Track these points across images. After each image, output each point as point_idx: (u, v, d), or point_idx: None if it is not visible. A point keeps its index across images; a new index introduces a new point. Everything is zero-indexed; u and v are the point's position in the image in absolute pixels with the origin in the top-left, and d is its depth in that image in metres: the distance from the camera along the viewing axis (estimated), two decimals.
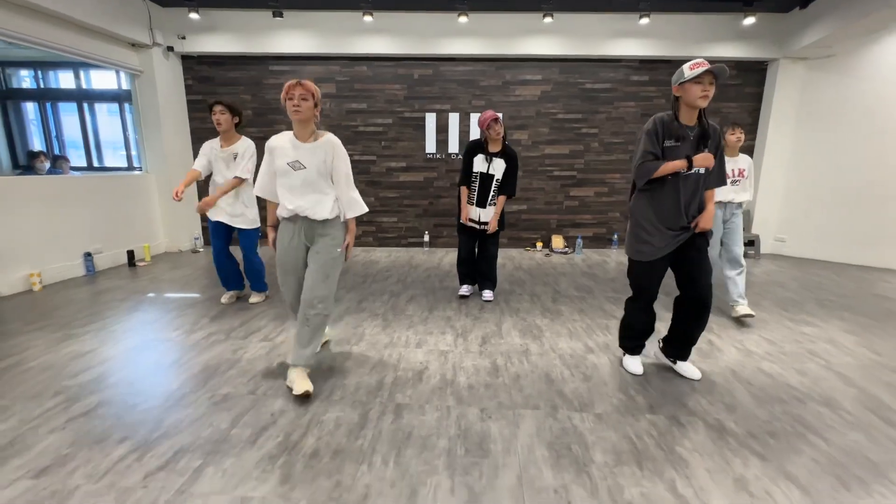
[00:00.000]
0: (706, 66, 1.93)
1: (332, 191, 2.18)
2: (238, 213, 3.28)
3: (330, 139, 2.16)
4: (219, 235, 3.32)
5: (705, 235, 2.21)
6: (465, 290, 3.74)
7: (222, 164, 3.20)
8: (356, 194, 2.23)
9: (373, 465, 1.66)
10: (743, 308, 3.17)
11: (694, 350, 2.51)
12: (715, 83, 1.99)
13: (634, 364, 2.43)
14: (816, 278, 4.50)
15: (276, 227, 2.32)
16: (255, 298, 3.52)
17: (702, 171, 2.12)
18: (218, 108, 3.11)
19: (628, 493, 1.53)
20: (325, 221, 2.17)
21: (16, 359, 2.51)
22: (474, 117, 5.60)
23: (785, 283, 4.33)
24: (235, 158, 3.17)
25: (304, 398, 2.08)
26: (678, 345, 2.36)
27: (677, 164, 2.06)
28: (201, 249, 5.69)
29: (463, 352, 2.67)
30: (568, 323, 3.18)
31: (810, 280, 4.43)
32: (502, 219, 3.53)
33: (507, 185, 3.40)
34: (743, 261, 3.27)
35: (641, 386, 2.28)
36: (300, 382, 2.09)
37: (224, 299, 3.51)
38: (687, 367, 2.36)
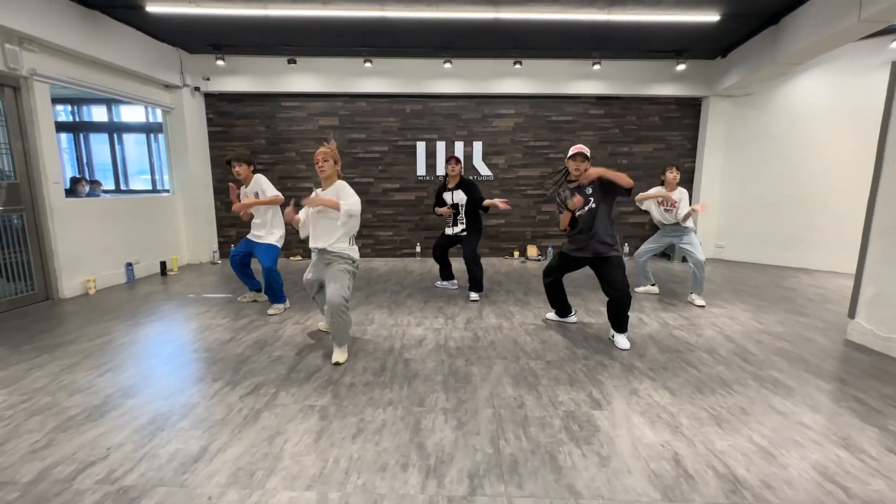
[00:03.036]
0: (578, 150, 3.01)
1: (340, 226, 2.79)
2: (263, 234, 3.84)
3: (338, 183, 2.84)
4: (239, 248, 3.93)
5: (613, 260, 3.08)
6: (438, 283, 4.82)
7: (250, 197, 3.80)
8: (352, 206, 2.76)
9: (393, 388, 2.47)
10: (698, 300, 4.15)
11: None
12: (587, 160, 3.03)
13: (550, 314, 3.73)
14: (740, 276, 5.48)
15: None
16: (272, 311, 3.87)
17: (588, 207, 3.05)
18: (235, 163, 3.75)
19: (561, 398, 2.37)
20: (332, 252, 2.83)
21: (107, 338, 3.25)
22: (458, 145, 6.56)
23: (714, 279, 5.28)
24: (257, 194, 3.76)
25: (336, 365, 2.79)
26: (612, 322, 3.19)
27: (563, 219, 3.11)
28: (219, 261, 6.43)
29: (451, 328, 3.50)
30: (534, 309, 4.04)
31: (734, 277, 5.41)
32: (479, 222, 4.40)
33: (476, 201, 4.28)
34: (700, 265, 4.08)
35: (582, 346, 3.14)
36: (337, 355, 2.83)
37: (240, 298, 4.22)
38: (620, 339, 3.13)
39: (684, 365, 2.80)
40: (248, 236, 3.95)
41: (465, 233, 4.39)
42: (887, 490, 1.66)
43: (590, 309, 3.99)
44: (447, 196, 4.45)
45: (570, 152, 3.07)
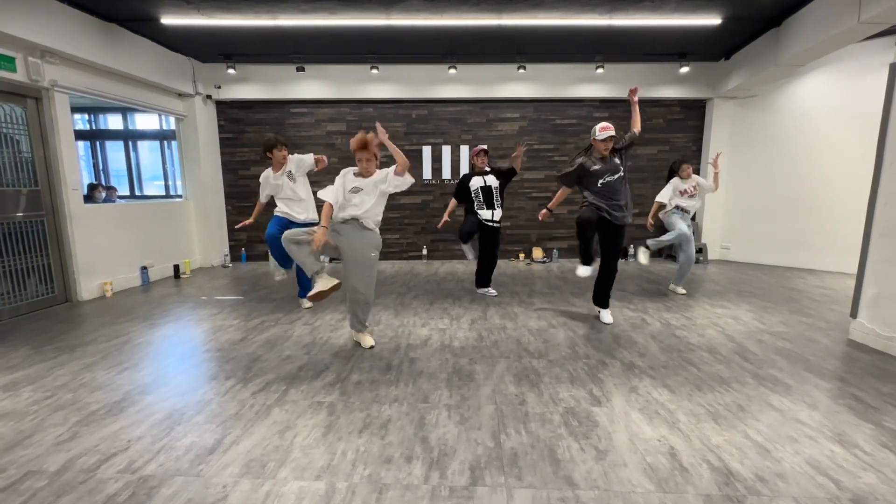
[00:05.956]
0: (611, 133, 3.15)
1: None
2: (301, 210, 3.89)
3: (380, 172, 3.27)
4: (274, 229, 3.78)
5: (624, 231, 3.44)
6: (467, 248, 4.56)
7: (283, 179, 3.84)
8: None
9: (398, 386, 2.55)
10: (679, 289, 4.65)
11: (626, 321, 3.49)
12: (614, 139, 3.26)
13: (584, 270, 3.67)
14: (745, 277, 5.49)
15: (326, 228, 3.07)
16: (307, 305, 4.12)
17: (618, 176, 3.32)
18: (276, 147, 3.81)
19: (562, 395, 2.43)
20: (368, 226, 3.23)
21: (125, 338, 3.38)
22: (464, 149, 6.65)
23: (719, 281, 5.30)
24: (291, 173, 3.82)
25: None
26: (600, 298, 3.59)
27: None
28: (230, 265, 6.58)
29: (456, 328, 3.58)
30: (538, 310, 4.10)
31: (740, 278, 5.41)
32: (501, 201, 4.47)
33: (509, 175, 4.44)
34: (691, 261, 4.51)
35: (584, 345, 3.19)
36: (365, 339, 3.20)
37: (278, 276, 3.97)
38: (604, 314, 3.58)
39: (684, 364, 2.85)
40: (282, 215, 3.88)
41: (499, 222, 4.44)
42: (878, 483, 1.70)
43: (595, 310, 4.03)
44: (476, 181, 4.36)
45: (603, 135, 3.21)
